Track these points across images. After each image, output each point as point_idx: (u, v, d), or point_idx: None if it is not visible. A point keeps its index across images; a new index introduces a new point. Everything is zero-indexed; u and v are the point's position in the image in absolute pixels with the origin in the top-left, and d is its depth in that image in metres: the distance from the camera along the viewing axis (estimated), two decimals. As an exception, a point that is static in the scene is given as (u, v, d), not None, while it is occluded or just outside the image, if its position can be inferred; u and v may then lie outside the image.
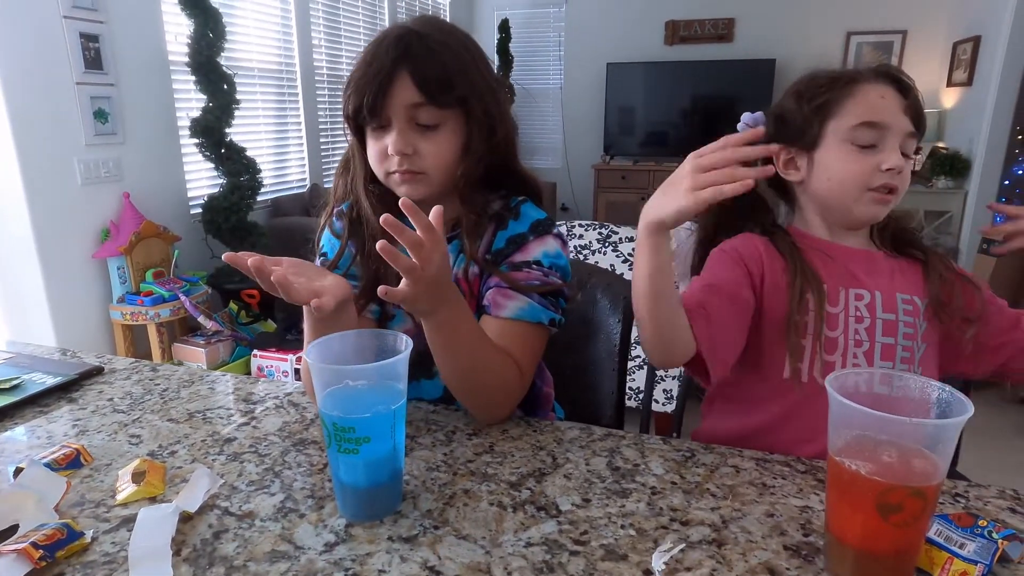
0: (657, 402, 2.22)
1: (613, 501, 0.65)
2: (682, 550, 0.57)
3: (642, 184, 4.94)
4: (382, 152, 0.81)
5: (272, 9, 3.38)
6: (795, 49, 4.69)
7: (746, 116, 0.94)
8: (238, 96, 2.74)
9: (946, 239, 4.00)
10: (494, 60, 5.05)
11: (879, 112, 0.83)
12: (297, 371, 2.44)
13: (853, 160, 0.84)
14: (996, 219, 3.74)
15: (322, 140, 3.76)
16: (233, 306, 2.76)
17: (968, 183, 3.96)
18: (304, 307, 0.73)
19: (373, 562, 0.56)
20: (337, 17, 3.93)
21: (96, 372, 0.98)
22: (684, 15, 4.99)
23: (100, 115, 2.43)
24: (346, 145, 0.90)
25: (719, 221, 0.95)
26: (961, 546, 0.53)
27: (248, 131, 3.17)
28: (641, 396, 1.22)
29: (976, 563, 0.51)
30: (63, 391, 0.92)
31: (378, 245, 0.61)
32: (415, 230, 0.63)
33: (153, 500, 0.65)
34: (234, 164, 2.75)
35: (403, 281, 0.64)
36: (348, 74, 0.81)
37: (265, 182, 2.97)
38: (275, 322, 2.84)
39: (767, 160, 0.90)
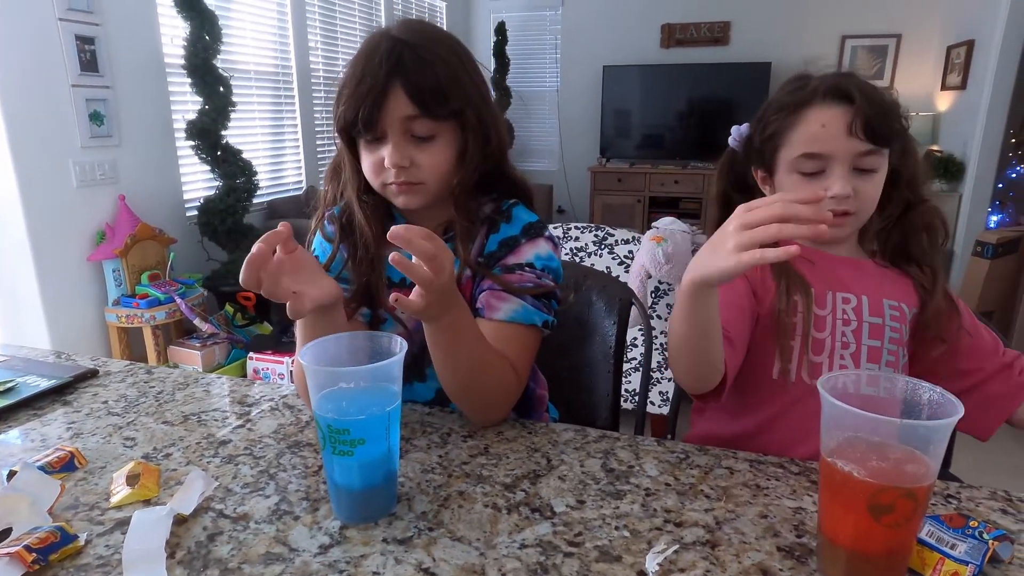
0: (653, 404, 2.22)
1: (607, 503, 0.65)
2: (676, 551, 0.57)
3: (638, 187, 4.95)
4: (378, 164, 0.80)
5: (268, 11, 3.38)
6: (790, 52, 4.71)
7: (735, 130, 0.96)
8: (234, 98, 2.74)
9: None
10: (490, 63, 5.09)
11: (819, 142, 0.83)
12: (292, 373, 2.44)
13: (800, 188, 0.84)
14: (987, 222, 3.74)
15: (318, 142, 3.77)
16: (229, 309, 2.75)
17: (962, 186, 3.98)
18: None
19: (367, 564, 0.56)
20: (333, 20, 3.93)
21: (91, 375, 0.98)
22: (680, 18, 5.00)
23: (96, 117, 2.43)
24: None
25: (719, 194, 0.99)
26: (952, 547, 0.53)
27: (244, 133, 3.17)
28: (637, 398, 1.22)
29: (967, 563, 0.52)
30: (57, 394, 0.92)
31: (391, 258, 0.61)
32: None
33: (147, 503, 0.65)
34: (230, 166, 2.75)
35: (415, 291, 0.64)
36: (339, 83, 0.80)
37: (261, 184, 2.97)
38: (271, 324, 2.84)
39: None
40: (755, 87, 4.63)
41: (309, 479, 0.69)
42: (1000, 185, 4.00)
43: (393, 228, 0.61)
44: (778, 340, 0.85)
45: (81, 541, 0.58)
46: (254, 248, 0.65)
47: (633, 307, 1.09)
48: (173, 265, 2.63)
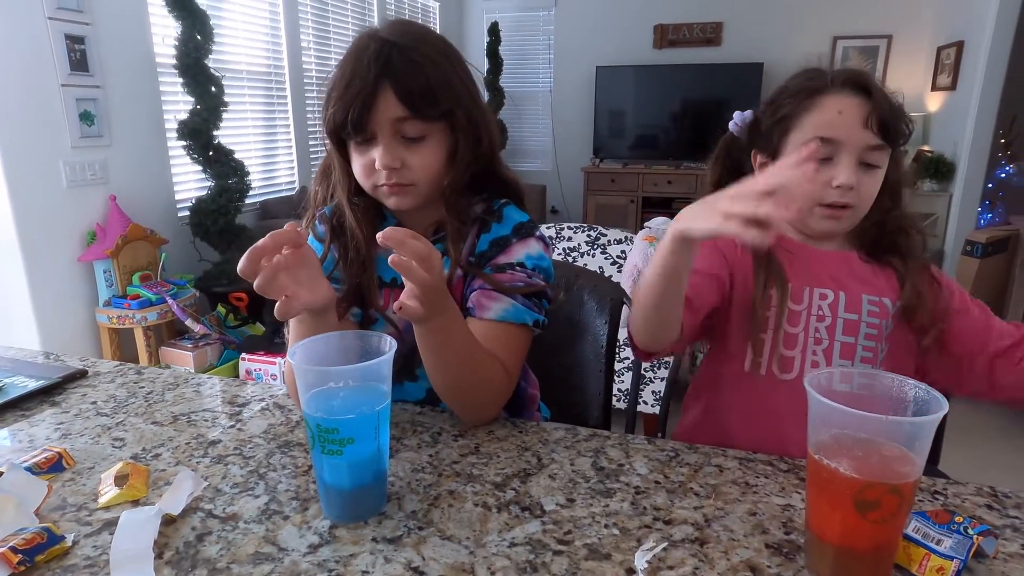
0: (645, 403, 2.23)
1: (597, 501, 0.65)
2: (665, 549, 0.58)
3: (631, 187, 4.96)
4: (369, 166, 0.80)
5: (260, 11, 3.37)
6: (783, 53, 4.73)
7: (737, 115, 0.96)
8: (226, 98, 2.73)
9: (931, 241, 4.05)
10: (483, 63, 5.08)
11: (834, 128, 0.83)
12: (284, 374, 2.43)
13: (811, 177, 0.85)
14: (980, 222, 3.76)
15: (311, 142, 3.76)
16: (221, 309, 2.74)
17: (953, 186, 4.01)
18: None
19: (357, 563, 0.56)
20: (326, 20, 3.92)
21: (80, 375, 0.97)
22: (673, 19, 5.02)
23: (86, 117, 2.42)
24: None
25: (714, 179, 1.00)
26: (938, 542, 0.54)
27: (236, 133, 3.15)
28: (629, 397, 1.23)
29: (952, 559, 0.52)
30: (46, 395, 0.92)
31: (391, 260, 0.61)
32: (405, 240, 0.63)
33: (136, 503, 0.65)
34: (222, 167, 2.74)
35: (409, 293, 0.64)
36: (328, 84, 0.80)
37: (253, 184, 2.96)
38: (263, 325, 2.83)
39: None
40: (748, 87, 4.65)
41: (299, 479, 0.69)
42: (990, 185, 4.03)
43: (382, 232, 0.61)
44: (751, 333, 0.87)
45: (68, 542, 0.58)
46: (261, 241, 0.65)
47: (625, 307, 1.10)
48: (165, 266, 2.62)
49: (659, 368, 2.22)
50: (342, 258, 0.87)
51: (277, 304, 0.67)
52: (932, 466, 1.09)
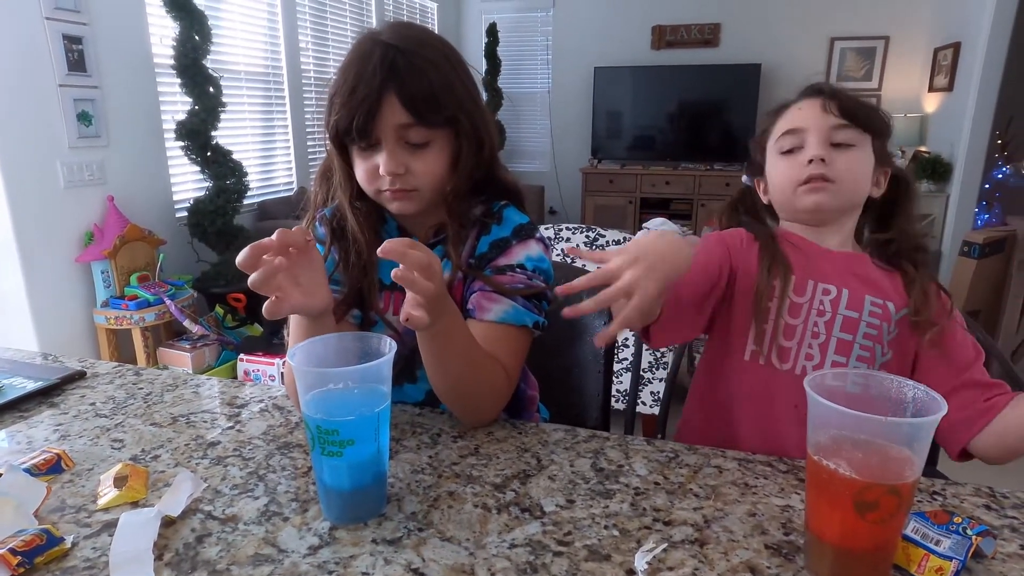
0: (644, 404, 2.23)
1: (597, 502, 0.65)
2: (665, 550, 0.58)
3: (629, 187, 4.97)
4: (372, 171, 0.80)
5: (259, 11, 3.37)
6: (780, 54, 4.74)
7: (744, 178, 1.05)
8: (224, 99, 2.73)
9: (929, 242, 4.06)
10: (481, 64, 5.09)
11: (796, 120, 0.91)
12: (283, 375, 2.43)
13: (783, 164, 0.93)
14: (977, 223, 3.77)
15: (309, 143, 3.75)
16: (219, 310, 2.74)
17: (950, 187, 4.02)
18: None
19: (357, 565, 0.56)
20: (324, 20, 3.92)
21: (78, 376, 0.97)
22: (671, 20, 5.03)
23: (84, 117, 2.41)
24: None
25: (726, 224, 1.03)
26: (937, 543, 0.54)
27: (234, 134, 3.15)
28: (628, 398, 1.23)
29: (951, 559, 0.52)
30: (44, 396, 0.91)
31: (394, 275, 0.61)
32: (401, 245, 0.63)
33: (135, 505, 0.65)
34: (220, 167, 2.74)
35: (413, 301, 0.64)
36: (331, 89, 0.79)
37: (252, 185, 2.96)
38: (261, 326, 2.82)
39: None
40: (745, 88, 4.66)
41: (299, 480, 0.69)
42: (987, 186, 4.04)
43: (382, 247, 0.61)
44: (755, 322, 0.90)
45: (67, 544, 0.58)
46: (267, 238, 0.65)
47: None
48: (162, 266, 2.62)
49: (658, 369, 2.22)
50: (343, 261, 0.87)
51: (267, 302, 0.66)
52: (931, 467, 1.10)
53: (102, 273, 2.45)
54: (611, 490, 0.67)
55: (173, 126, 2.67)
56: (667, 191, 4.89)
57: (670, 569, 0.55)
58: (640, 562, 0.56)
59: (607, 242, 2.27)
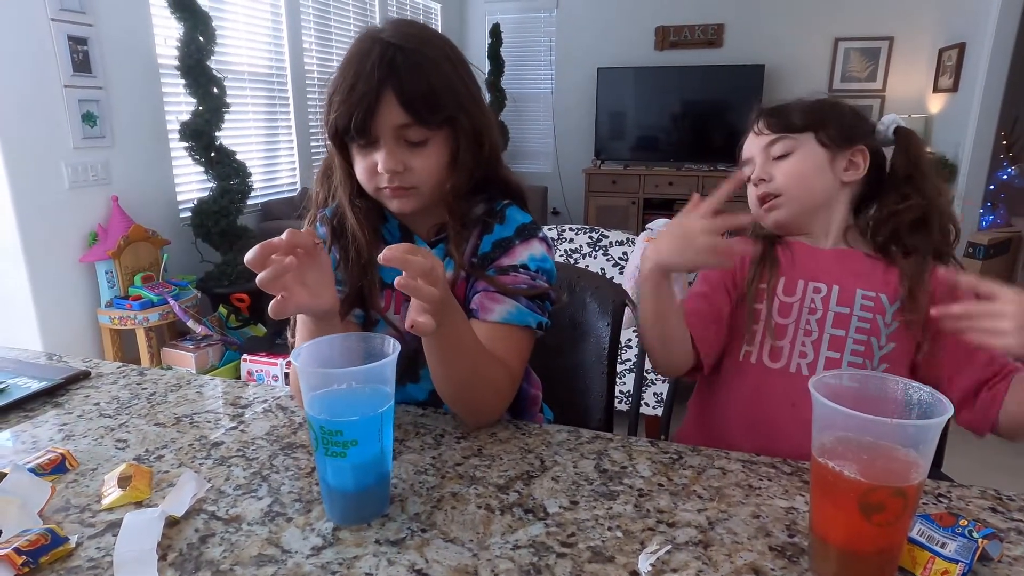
0: (648, 405, 2.22)
1: (600, 503, 0.65)
2: (668, 552, 0.57)
3: (632, 188, 4.96)
4: (371, 169, 0.80)
5: (263, 12, 3.38)
6: (784, 55, 4.73)
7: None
8: (228, 99, 2.73)
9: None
10: (485, 64, 5.09)
11: (745, 152, 0.99)
12: (287, 375, 2.43)
13: (750, 191, 0.98)
14: (982, 224, 3.74)
15: (312, 144, 3.76)
16: (223, 310, 2.74)
17: (954, 188, 4.01)
18: None
19: (360, 565, 0.56)
20: (328, 21, 3.93)
21: (83, 376, 0.97)
22: (674, 20, 5.02)
23: (88, 118, 2.42)
24: None
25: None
26: (942, 545, 0.54)
27: (238, 134, 3.16)
28: (631, 399, 1.23)
29: (957, 562, 0.52)
30: (49, 396, 0.92)
31: (397, 283, 0.61)
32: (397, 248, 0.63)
33: (139, 505, 0.65)
34: (224, 168, 2.74)
35: (418, 307, 0.64)
36: (330, 87, 0.79)
37: (255, 186, 2.96)
38: (265, 326, 2.83)
39: None
40: (749, 89, 4.65)
41: (302, 480, 0.69)
42: (991, 187, 4.03)
43: (383, 254, 0.61)
44: (744, 323, 0.92)
45: (72, 543, 0.58)
46: (277, 237, 0.65)
47: (627, 309, 1.09)
48: (166, 267, 2.62)
49: (661, 370, 2.21)
50: (343, 260, 0.87)
51: (272, 301, 0.67)
52: (936, 469, 1.09)
53: (106, 273, 2.45)
54: (615, 491, 0.67)
55: (177, 127, 2.67)
56: (670, 192, 4.88)
57: (674, 571, 0.55)
58: (644, 564, 0.56)
59: (610, 243, 2.26)
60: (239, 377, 2.54)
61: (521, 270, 0.83)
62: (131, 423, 0.84)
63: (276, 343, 2.70)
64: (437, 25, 5.20)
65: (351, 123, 0.76)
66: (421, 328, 0.64)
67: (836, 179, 0.92)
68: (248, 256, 0.64)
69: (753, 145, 0.97)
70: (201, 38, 2.58)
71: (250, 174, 2.86)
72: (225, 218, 2.73)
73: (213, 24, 2.63)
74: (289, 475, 0.70)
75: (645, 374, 2.21)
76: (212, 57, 2.65)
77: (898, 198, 0.91)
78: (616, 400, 1.16)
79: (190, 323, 2.51)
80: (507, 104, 5.27)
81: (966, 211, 3.90)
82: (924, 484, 0.52)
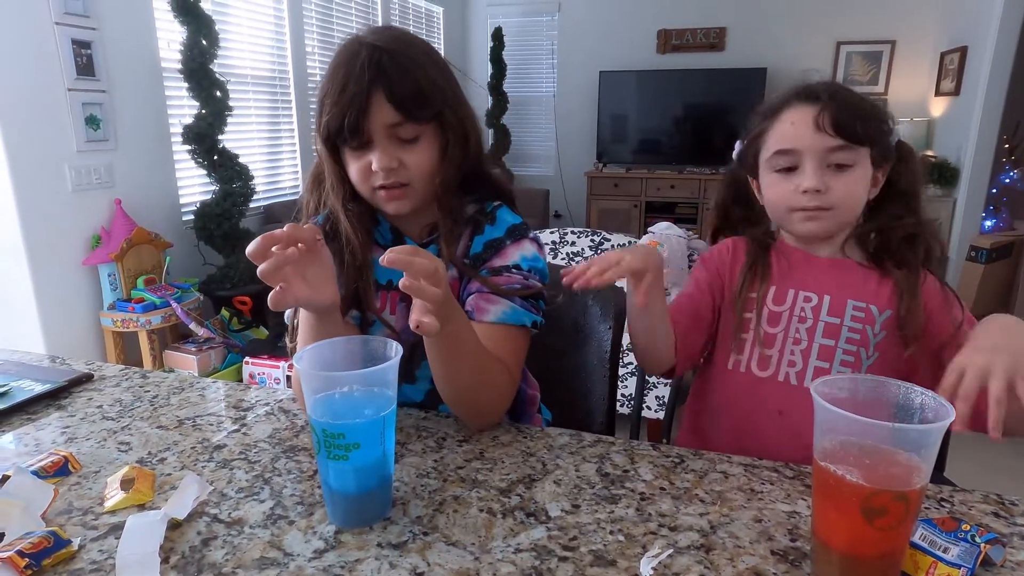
0: (649, 408, 2.22)
1: (602, 507, 0.65)
2: (670, 555, 0.57)
3: (634, 192, 4.96)
4: (365, 169, 0.81)
5: (265, 16, 3.39)
6: (786, 58, 4.74)
7: (737, 144, 0.99)
8: (231, 103, 2.74)
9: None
10: (487, 68, 5.10)
11: (788, 139, 0.86)
12: (289, 378, 2.44)
13: (776, 185, 0.90)
14: (984, 227, 3.75)
15: (314, 147, 3.76)
16: (225, 313, 2.75)
17: (956, 191, 4.00)
18: (300, 308, 0.74)
19: (362, 569, 0.56)
20: (330, 24, 3.94)
21: (85, 379, 0.98)
22: (676, 24, 5.03)
23: (92, 121, 2.43)
24: None
25: (722, 225, 1.04)
26: (945, 550, 0.53)
27: (241, 138, 3.16)
28: (633, 403, 1.23)
29: (959, 567, 0.52)
30: (52, 398, 0.92)
31: (402, 284, 0.61)
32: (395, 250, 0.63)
33: (142, 507, 0.65)
34: (226, 171, 2.75)
35: (421, 308, 0.64)
36: (320, 92, 0.81)
37: (258, 189, 2.96)
38: (267, 329, 2.83)
39: None
40: (751, 93, 4.65)
41: (304, 484, 0.69)
42: (994, 190, 4.02)
43: (386, 256, 0.61)
44: (734, 331, 0.92)
45: (75, 546, 0.58)
46: (278, 230, 0.66)
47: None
48: (169, 269, 2.63)
49: (662, 373, 2.21)
50: (337, 264, 0.87)
51: (271, 292, 0.67)
52: (938, 473, 1.09)
53: (109, 276, 2.46)
54: (616, 495, 0.67)
55: (180, 130, 2.68)
56: (672, 195, 4.88)
57: (676, 575, 0.55)
58: (646, 568, 0.56)
59: (612, 245, 2.26)
60: (241, 380, 2.54)
61: (514, 270, 0.84)
62: (134, 426, 0.84)
63: (278, 346, 2.70)
64: (440, 28, 5.22)
65: (344, 124, 0.78)
66: (426, 328, 0.64)
67: (867, 196, 0.89)
68: (250, 248, 0.65)
69: (809, 140, 0.84)
70: (204, 41, 2.59)
71: (252, 177, 2.87)
72: (228, 221, 2.73)
73: (216, 28, 2.64)
74: (291, 478, 0.70)
75: (647, 377, 2.21)
76: (215, 60, 2.66)
77: (895, 213, 0.89)
78: (618, 403, 1.16)
79: (192, 326, 2.51)
80: (509, 107, 5.28)
81: (967, 215, 3.90)
82: (926, 488, 0.52)
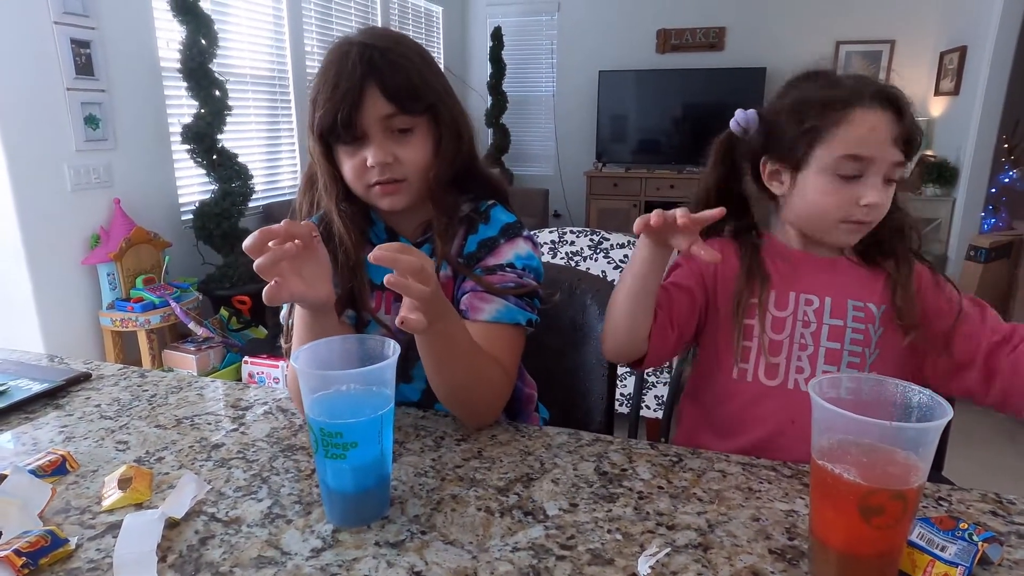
0: (648, 408, 2.22)
1: (600, 506, 0.65)
2: (668, 554, 0.57)
3: (634, 191, 4.96)
4: (360, 166, 0.81)
5: (264, 15, 3.39)
6: (786, 58, 4.72)
7: (739, 114, 0.92)
8: (230, 102, 2.74)
9: (934, 246, 4.04)
10: (486, 67, 5.10)
11: (867, 145, 0.80)
12: (287, 377, 2.43)
13: (833, 191, 0.82)
14: (983, 227, 3.75)
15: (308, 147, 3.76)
16: (224, 312, 2.75)
17: (956, 191, 4.01)
18: (297, 306, 0.74)
19: (360, 567, 0.56)
20: (330, 24, 3.94)
21: (83, 378, 0.98)
22: (676, 24, 5.03)
23: (91, 121, 2.43)
24: None
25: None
26: (942, 549, 0.53)
27: (240, 137, 3.16)
28: (632, 402, 1.23)
29: (957, 566, 0.52)
30: (50, 397, 0.92)
31: (387, 280, 0.61)
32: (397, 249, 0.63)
33: (139, 506, 0.65)
34: (225, 170, 2.75)
35: (409, 306, 0.65)
36: (312, 91, 0.82)
37: (257, 188, 2.96)
38: (266, 328, 2.83)
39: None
40: (750, 92, 4.65)
41: (302, 483, 0.69)
42: (993, 190, 4.02)
43: (373, 253, 0.62)
44: (737, 341, 0.88)
45: (72, 545, 0.58)
46: (276, 225, 0.66)
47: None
48: (168, 269, 2.63)
49: (661, 372, 2.21)
50: (332, 265, 0.87)
51: (266, 287, 0.67)
52: (936, 472, 1.09)
53: (108, 275, 2.46)
54: (614, 494, 0.67)
55: (179, 129, 2.68)
56: (672, 195, 4.88)
57: (673, 574, 0.55)
58: (643, 566, 0.56)
59: (611, 245, 2.26)
60: (240, 379, 2.54)
61: (508, 269, 0.84)
62: (132, 425, 0.84)
63: (277, 345, 2.70)
64: (439, 28, 5.22)
65: (337, 120, 0.78)
66: (412, 325, 0.64)
67: None
68: (247, 242, 0.66)
69: (882, 152, 0.80)
70: (203, 41, 2.59)
71: (252, 176, 2.86)
72: (227, 220, 2.73)
73: (215, 27, 2.64)
74: (289, 477, 0.70)
75: (646, 377, 2.21)
76: (214, 60, 2.66)
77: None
78: (616, 402, 1.15)
79: (191, 325, 2.51)
80: (508, 107, 5.27)
81: (967, 215, 3.90)
82: (924, 487, 0.52)
